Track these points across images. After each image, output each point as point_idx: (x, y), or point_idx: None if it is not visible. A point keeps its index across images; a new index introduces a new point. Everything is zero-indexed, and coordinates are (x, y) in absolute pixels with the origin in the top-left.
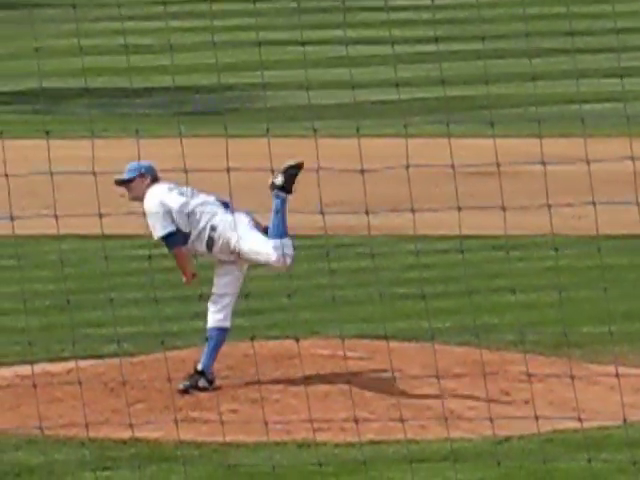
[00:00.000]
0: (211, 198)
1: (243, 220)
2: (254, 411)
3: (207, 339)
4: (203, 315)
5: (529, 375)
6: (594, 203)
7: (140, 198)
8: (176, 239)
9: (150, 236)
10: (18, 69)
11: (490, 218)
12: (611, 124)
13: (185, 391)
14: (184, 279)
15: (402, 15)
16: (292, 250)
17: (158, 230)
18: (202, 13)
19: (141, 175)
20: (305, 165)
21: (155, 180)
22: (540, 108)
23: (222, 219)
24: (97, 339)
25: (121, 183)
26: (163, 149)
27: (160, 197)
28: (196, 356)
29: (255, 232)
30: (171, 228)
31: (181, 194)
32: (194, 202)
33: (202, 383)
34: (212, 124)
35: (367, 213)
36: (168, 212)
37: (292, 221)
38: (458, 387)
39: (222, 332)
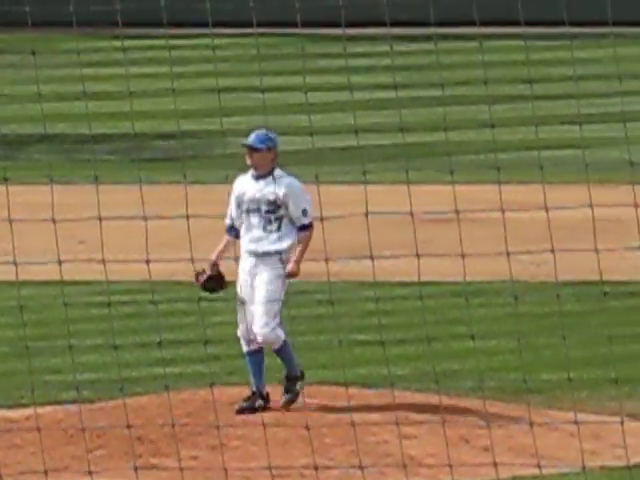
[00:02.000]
0: None
1: None
2: (214, 458)
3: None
4: (163, 361)
5: (489, 421)
6: (553, 250)
7: (260, 169)
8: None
9: (107, 282)
10: None
11: (449, 265)
12: (570, 171)
13: (291, 402)
14: (295, 268)
15: (361, 62)
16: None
17: (307, 215)
18: (162, 60)
19: (269, 149)
20: None
21: (276, 156)
22: (499, 155)
23: None
24: (56, 385)
25: (249, 149)
26: (122, 195)
27: None
28: (156, 401)
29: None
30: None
31: None
32: None
33: (299, 386)
34: (171, 171)
35: (326, 260)
36: None
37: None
38: (418, 433)
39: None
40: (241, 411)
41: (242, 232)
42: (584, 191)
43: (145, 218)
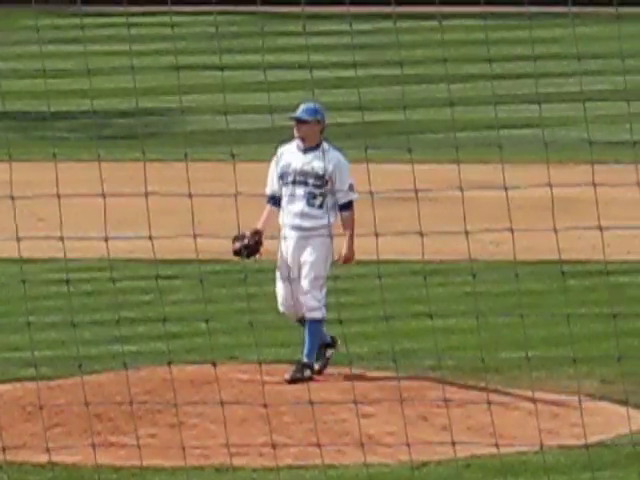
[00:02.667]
0: None
1: None
2: (172, 436)
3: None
4: (122, 339)
5: (447, 400)
6: (512, 229)
7: (308, 141)
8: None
9: (66, 260)
10: None
11: (408, 244)
12: (529, 150)
13: (292, 381)
14: (350, 253)
15: (320, 40)
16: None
17: (353, 191)
18: (121, 37)
19: (317, 122)
20: (223, 189)
21: (324, 128)
22: (458, 134)
23: None
24: (15, 363)
25: (297, 121)
26: (81, 173)
27: None
28: (114, 379)
29: None
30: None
31: None
32: None
33: (308, 373)
34: (130, 148)
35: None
36: None
37: (209, 245)
38: (376, 412)
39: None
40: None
41: (284, 205)
42: (543, 170)
43: (104, 195)
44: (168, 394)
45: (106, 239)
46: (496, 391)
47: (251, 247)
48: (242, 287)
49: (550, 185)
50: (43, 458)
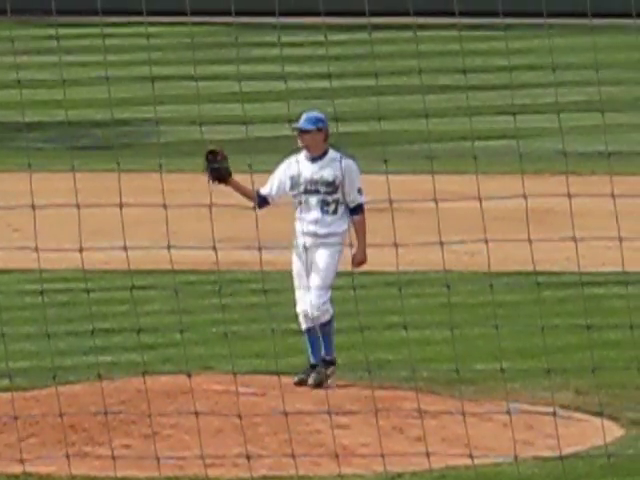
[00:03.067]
0: None
1: None
2: (146, 446)
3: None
4: (96, 350)
5: (421, 412)
6: (486, 240)
7: (312, 150)
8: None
9: (40, 270)
10: None
11: (383, 255)
12: (504, 161)
13: (319, 384)
14: (363, 256)
15: (295, 51)
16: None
17: (362, 194)
18: (96, 48)
19: (319, 130)
20: (198, 200)
21: (328, 136)
22: (433, 145)
23: None
24: None
25: (299, 131)
26: (56, 183)
27: None
28: (89, 390)
29: None
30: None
31: None
32: None
33: (331, 370)
34: (105, 159)
35: (259, 249)
36: None
37: (185, 256)
38: (351, 423)
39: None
40: (300, 383)
41: (298, 214)
42: (518, 181)
43: (78, 206)
44: (143, 405)
45: (81, 250)
46: (471, 402)
47: (220, 172)
48: (217, 298)
49: (525, 196)
50: (17, 469)
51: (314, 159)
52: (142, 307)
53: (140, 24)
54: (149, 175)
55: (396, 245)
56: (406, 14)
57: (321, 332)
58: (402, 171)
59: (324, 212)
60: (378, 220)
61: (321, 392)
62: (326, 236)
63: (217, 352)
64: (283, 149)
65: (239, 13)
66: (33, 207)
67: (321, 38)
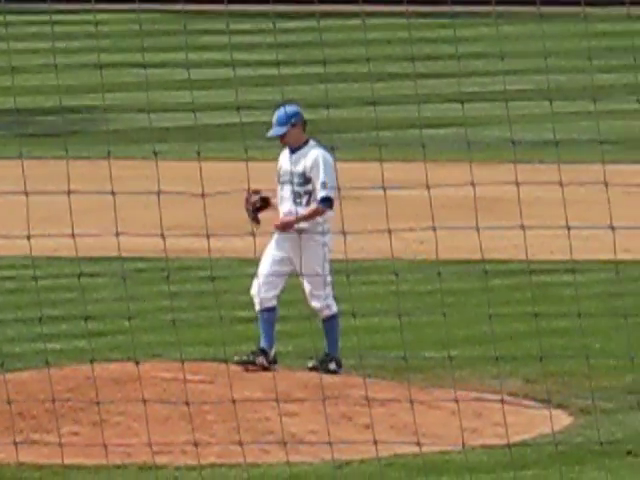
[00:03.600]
0: None
1: None
2: (94, 434)
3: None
4: (44, 337)
5: (369, 399)
6: (434, 228)
7: (294, 144)
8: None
9: None
10: None
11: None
12: (452, 149)
13: (315, 369)
14: (281, 225)
15: (244, 38)
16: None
17: (326, 188)
18: (44, 35)
19: (293, 125)
20: (147, 187)
21: (305, 125)
22: (382, 133)
23: None
24: None
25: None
26: (4, 170)
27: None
28: (37, 377)
29: None
30: (334, 193)
31: None
32: None
33: (333, 366)
34: (54, 146)
35: (207, 236)
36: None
37: (133, 243)
38: (299, 411)
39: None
40: (240, 362)
41: (278, 205)
42: (466, 169)
43: (26, 193)
44: (91, 392)
45: (28, 237)
46: (419, 390)
47: (261, 209)
48: (165, 285)
49: (473, 184)
50: None
51: (294, 150)
52: (90, 294)
53: (88, 11)
54: (97, 162)
55: (344, 233)
56: (354, 2)
57: (324, 328)
58: (351, 159)
59: (296, 204)
60: None
61: (269, 379)
62: (300, 231)
63: (165, 339)
64: (232, 136)
65: (188, 0)
66: None
67: (270, 25)
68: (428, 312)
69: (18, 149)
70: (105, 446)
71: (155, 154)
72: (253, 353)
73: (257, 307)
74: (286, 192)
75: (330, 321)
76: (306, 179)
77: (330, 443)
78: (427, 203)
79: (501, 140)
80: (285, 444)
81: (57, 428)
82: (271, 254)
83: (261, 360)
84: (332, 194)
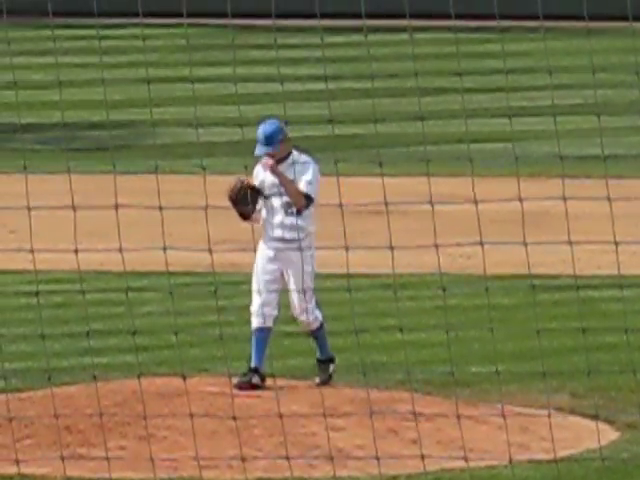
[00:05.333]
0: None
1: None
2: (141, 448)
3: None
4: (91, 351)
5: (416, 414)
6: (482, 243)
7: (285, 156)
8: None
9: (36, 271)
10: None
11: (378, 257)
12: (500, 164)
13: (325, 383)
14: (273, 164)
15: (291, 53)
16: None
17: (309, 190)
18: (92, 49)
19: (281, 141)
20: (194, 202)
21: (288, 140)
22: (429, 147)
23: None
24: None
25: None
26: (52, 185)
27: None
28: (84, 391)
29: None
30: (315, 196)
31: None
32: None
33: (332, 368)
34: (101, 160)
35: (255, 250)
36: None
37: (180, 257)
38: (346, 425)
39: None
40: (239, 387)
41: (266, 219)
42: (514, 184)
43: (74, 208)
44: (138, 406)
45: (76, 251)
46: (466, 405)
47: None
48: (212, 300)
49: (520, 199)
50: (12, 470)
51: (278, 161)
52: (137, 309)
53: (136, 26)
54: (145, 177)
55: (392, 247)
56: (402, 16)
57: (314, 338)
58: (398, 173)
59: (288, 214)
60: (374, 222)
61: (316, 394)
62: (292, 241)
63: (212, 354)
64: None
65: (235, 15)
66: (29, 208)
67: (317, 40)
68: (475, 327)
69: (66, 164)
70: (152, 460)
71: (203, 168)
72: (245, 374)
73: (257, 325)
74: (276, 203)
75: (320, 330)
76: None
77: (377, 458)
78: (475, 218)
79: (549, 155)
80: (332, 459)
81: (104, 442)
82: (266, 270)
83: (256, 379)
84: (314, 194)
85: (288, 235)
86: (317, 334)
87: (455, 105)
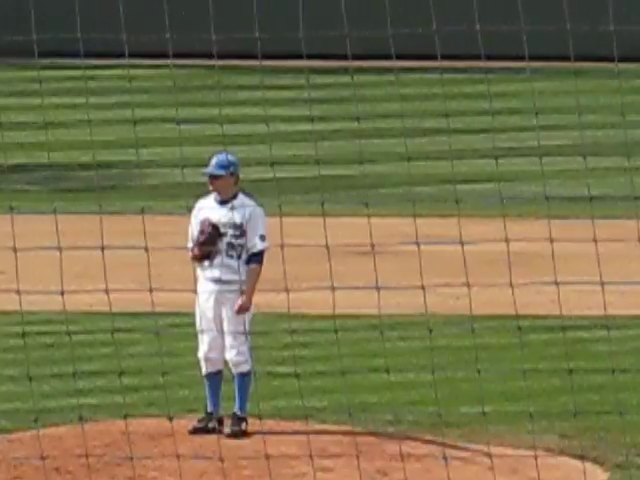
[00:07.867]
0: None
1: None
2: None
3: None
4: (80, 392)
5: (405, 455)
6: (468, 284)
7: (223, 193)
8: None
9: (22, 313)
10: None
11: (366, 297)
12: (487, 205)
13: (234, 436)
14: (248, 302)
15: (278, 94)
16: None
17: (264, 241)
18: (79, 90)
19: (231, 174)
20: (182, 243)
21: (238, 178)
22: (416, 188)
23: None
24: None
25: (210, 176)
26: (38, 225)
27: None
28: (72, 432)
29: None
30: (268, 244)
31: None
32: None
33: (244, 426)
34: (88, 201)
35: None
36: None
37: (167, 298)
38: (335, 466)
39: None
40: (194, 432)
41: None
42: (501, 225)
43: (60, 249)
44: (126, 447)
45: (63, 292)
46: (454, 446)
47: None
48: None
49: (507, 240)
50: None
51: (223, 202)
52: (125, 349)
53: (123, 67)
54: (132, 217)
55: (378, 288)
56: (388, 57)
57: (237, 385)
58: (385, 214)
59: (229, 256)
60: (361, 263)
61: (304, 435)
62: (229, 282)
63: (200, 395)
64: (267, 192)
65: (221, 56)
66: (15, 250)
67: (304, 81)
68: (463, 367)
69: (52, 204)
70: None
71: (189, 210)
72: (200, 420)
73: (206, 371)
74: (220, 244)
75: (246, 377)
76: (242, 231)
77: None
78: (462, 258)
79: (536, 195)
80: None
81: None
82: (208, 314)
83: (213, 424)
84: (267, 246)
85: (225, 277)
86: (241, 381)
87: (442, 146)
